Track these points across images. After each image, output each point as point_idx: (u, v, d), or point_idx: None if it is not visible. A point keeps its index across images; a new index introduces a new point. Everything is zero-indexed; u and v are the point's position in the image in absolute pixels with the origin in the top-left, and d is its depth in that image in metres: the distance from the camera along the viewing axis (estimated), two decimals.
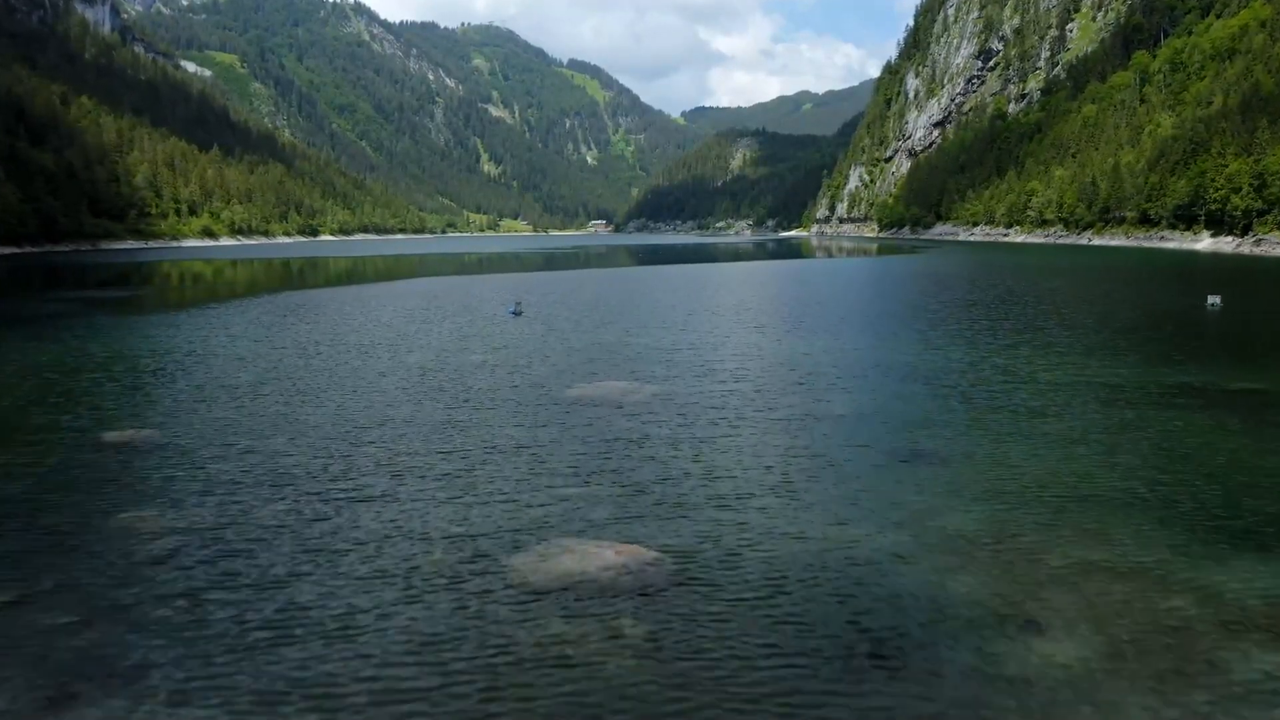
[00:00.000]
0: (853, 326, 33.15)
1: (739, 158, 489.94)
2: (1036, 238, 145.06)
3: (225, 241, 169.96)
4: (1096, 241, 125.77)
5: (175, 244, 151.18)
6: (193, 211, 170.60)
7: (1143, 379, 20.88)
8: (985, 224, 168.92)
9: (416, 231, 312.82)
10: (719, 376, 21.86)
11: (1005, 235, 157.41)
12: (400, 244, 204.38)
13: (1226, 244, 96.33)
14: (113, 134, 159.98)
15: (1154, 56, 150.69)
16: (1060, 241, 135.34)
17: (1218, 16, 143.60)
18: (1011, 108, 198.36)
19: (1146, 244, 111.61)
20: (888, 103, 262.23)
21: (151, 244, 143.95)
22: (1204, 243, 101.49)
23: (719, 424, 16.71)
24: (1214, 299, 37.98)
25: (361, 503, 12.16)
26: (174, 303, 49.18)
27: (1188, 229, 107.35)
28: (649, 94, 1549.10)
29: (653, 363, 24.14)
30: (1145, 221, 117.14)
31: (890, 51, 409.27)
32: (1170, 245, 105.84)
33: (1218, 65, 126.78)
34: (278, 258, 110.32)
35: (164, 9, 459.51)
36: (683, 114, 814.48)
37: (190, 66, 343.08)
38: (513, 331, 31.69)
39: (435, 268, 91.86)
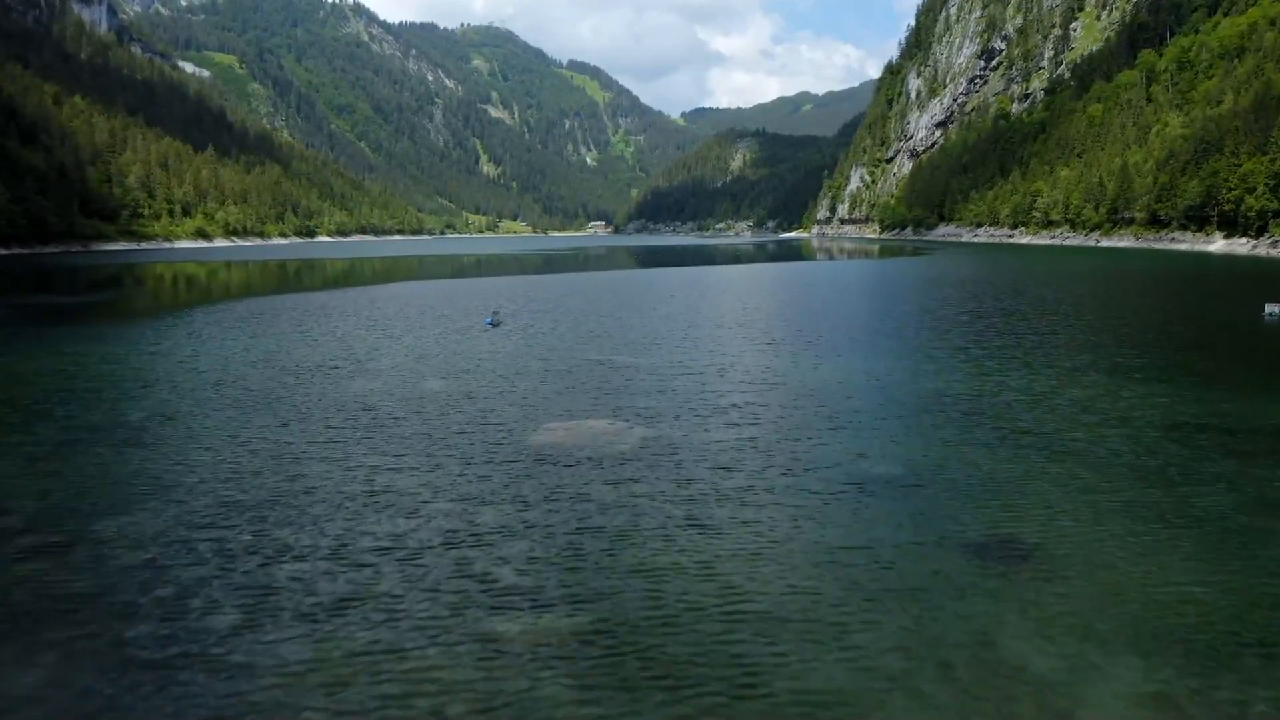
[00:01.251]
0: (881, 342, 28.47)
1: (739, 158, 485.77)
2: (1043, 239, 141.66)
3: (219, 243, 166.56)
4: (1105, 243, 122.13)
5: (168, 245, 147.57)
6: (186, 212, 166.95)
7: (1264, 423, 16.51)
8: (989, 225, 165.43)
9: (415, 232, 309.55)
10: (728, 416, 17.38)
11: (1010, 236, 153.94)
12: (397, 245, 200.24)
13: (1241, 245, 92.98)
14: (105, 134, 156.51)
15: (1161, 55, 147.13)
16: (1067, 243, 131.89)
17: (1225, 14, 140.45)
18: (1015, 107, 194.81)
19: (1157, 245, 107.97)
20: (889, 103, 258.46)
21: (144, 245, 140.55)
22: (1217, 244, 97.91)
23: (731, 499, 12.23)
24: (1273, 308, 34.52)
25: (171, 670, 7.68)
26: (123, 311, 44.73)
27: (1199, 230, 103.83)
28: (648, 94, 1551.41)
29: (644, 393, 19.80)
30: (1155, 222, 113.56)
31: (890, 51, 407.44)
32: (1181, 247, 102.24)
33: (1226, 64, 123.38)
34: (269, 260, 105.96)
35: (162, 9, 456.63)
36: (682, 114, 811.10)
37: (188, 67, 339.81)
38: (485, 348, 27.40)
39: (427, 270, 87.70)
